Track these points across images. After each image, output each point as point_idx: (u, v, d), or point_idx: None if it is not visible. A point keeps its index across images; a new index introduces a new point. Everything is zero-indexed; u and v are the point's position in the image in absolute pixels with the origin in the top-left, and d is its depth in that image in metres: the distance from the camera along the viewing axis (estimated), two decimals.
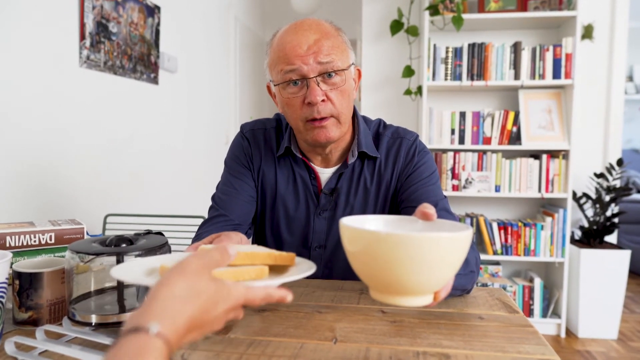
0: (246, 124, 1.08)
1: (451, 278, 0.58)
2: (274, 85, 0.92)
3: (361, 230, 0.52)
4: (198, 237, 0.95)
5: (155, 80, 2.30)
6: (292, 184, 1.01)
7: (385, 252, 0.50)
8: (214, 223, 0.97)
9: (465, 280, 0.81)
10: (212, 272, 0.49)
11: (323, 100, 0.87)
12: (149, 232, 0.74)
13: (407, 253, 0.49)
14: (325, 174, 1.00)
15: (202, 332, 0.46)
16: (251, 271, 0.57)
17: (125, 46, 2.05)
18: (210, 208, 1.02)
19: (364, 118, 1.06)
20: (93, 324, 0.63)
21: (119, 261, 0.64)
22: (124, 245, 0.67)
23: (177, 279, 0.44)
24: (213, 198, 1.04)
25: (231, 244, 0.71)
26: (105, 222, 1.77)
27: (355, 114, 1.02)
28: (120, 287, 0.65)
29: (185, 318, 0.42)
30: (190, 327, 0.43)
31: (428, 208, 0.59)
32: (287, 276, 0.58)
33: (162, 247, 0.68)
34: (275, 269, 0.64)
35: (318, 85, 0.87)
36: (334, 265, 1.02)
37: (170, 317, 0.41)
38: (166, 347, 0.39)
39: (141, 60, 2.17)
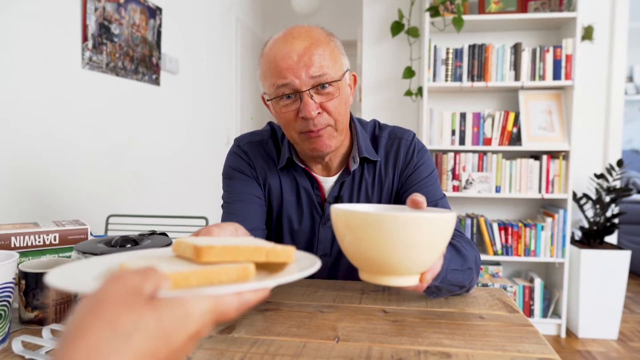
0: (241, 138, 1.04)
1: (437, 260, 0.61)
2: (265, 94, 0.91)
3: (348, 211, 0.55)
4: None
5: (156, 82, 2.31)
6: (296, 196, 1.00)
7: (369, 232, 0.53)
8: None
9: (463, 277, 0.80)
10: (151, 292, 0.33)
11: (319, 113, 0.86)
12: (153, 233, 0.75)
13: (390, 233, 0.52)
14: (328, 182, 0.99)
15: None
16: (230, 271, 0.42)
17: (127, 47, 2.06)
18: (222, 217, 0.98)
19: (359, 120, 1.05)
20: None
21: None
22: (129, 245, 0.67)
23: (94, 323, 0.29)
24: (222, 208, 1.01)
25: (223, 235, 0.58)
26: (107, 223, 1.78)
27: (351, 119, 1.00)
28: None
29: None
30: None
31: (418, 196, 0.61)
32: (281, 275, 0.44)
33: (167, 248, 0.69)
34: (268, 268, 0.48)
35: (312, 98, 0.84)
36: (337, 270, 1.03)
37: None
38: None
39: (143, 61, 2.19)
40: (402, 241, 0.53)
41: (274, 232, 1.03)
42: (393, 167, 0.99)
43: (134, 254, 0.51)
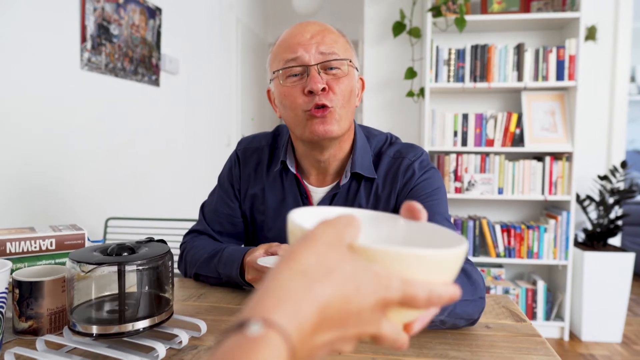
0: (243, 140, 1.06)
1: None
2: (273, 75, 0.88)
3: (300, 226, 0.37)
4: (185, 246, 1.04)
5: (156, 82, 2.29)
6: (283, 205, 0.96)
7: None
8: (202, 239, 1.03)
9: (474, 308, 0.72)
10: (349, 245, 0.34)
11: (324, 89, 0.83)
12: (150, 240, 0.73)
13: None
14: (318, 193, 0.95)
15: (343, 334, 0.32)
16: None
17: (127, 48, 2.04)
18: (199, 219, 1.07)
19: (370, 131, 1.00)
20: (94, 335, 0.62)
21: (120, 270, 0.63)
22: (125, 254, 0.65)
23: (305, 251, 0.32)
24: (202, 209, 1.08)
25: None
26: (106, 226, 1.76)
27: (355, 130, 0.95)
28: (121, 296, 0.64)
29: (315, 305, 0.29)
30: (322, 321, 0.30)
31: (415, 205, 0.45)
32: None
33: (164, 256, 0.67)
34: None
35: (319, 74, 0.84)
36: None
37: (294, 303, 0.29)
38: (287, 346, 0.27)
39: (142, 62, 2.17)
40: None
41: (261, 240, 1.00)
42: (390, 187, 0.92)
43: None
